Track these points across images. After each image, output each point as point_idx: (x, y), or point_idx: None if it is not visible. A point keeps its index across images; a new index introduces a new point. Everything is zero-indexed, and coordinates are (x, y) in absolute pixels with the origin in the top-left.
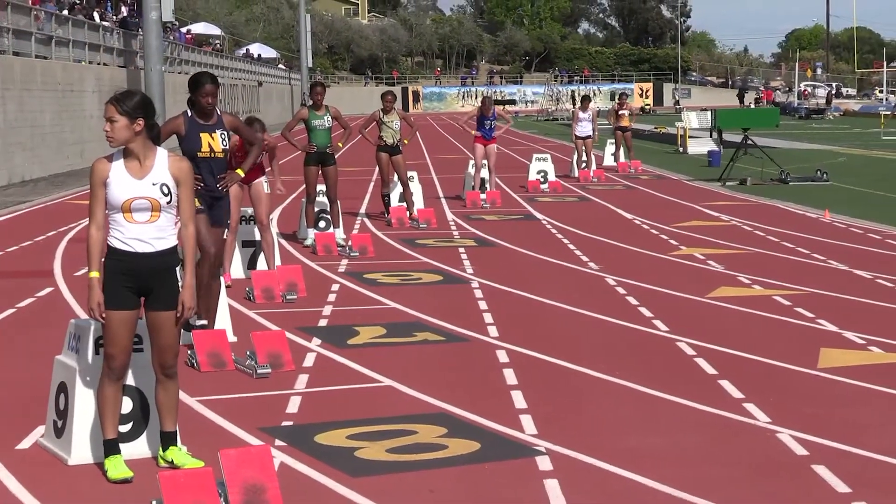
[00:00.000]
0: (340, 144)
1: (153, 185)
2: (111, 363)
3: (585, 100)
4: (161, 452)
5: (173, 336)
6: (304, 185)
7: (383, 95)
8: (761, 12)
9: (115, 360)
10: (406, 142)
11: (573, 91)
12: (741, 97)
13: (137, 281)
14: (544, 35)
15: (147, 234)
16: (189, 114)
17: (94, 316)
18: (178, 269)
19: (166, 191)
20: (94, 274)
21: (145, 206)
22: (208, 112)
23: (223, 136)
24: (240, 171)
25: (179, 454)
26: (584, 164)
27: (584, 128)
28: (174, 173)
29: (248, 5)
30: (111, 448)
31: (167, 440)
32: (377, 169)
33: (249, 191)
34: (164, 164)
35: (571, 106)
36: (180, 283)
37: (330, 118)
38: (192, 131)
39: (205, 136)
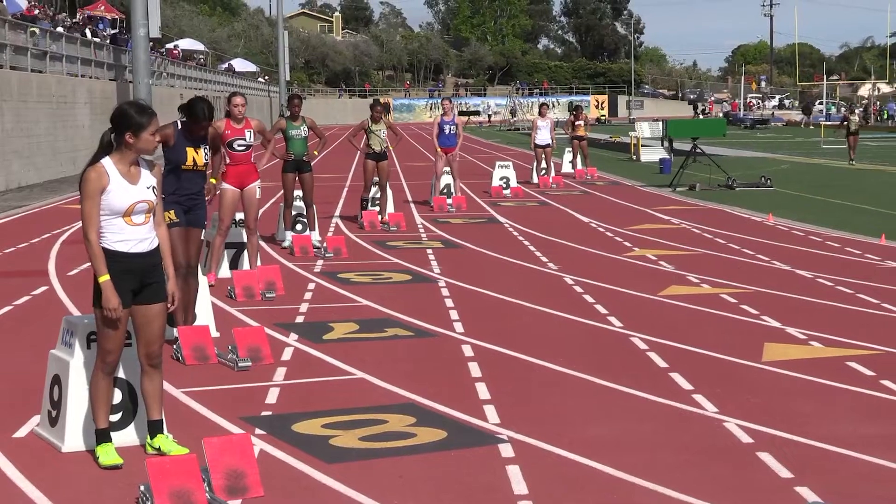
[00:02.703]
0: (316, 153)
1: (147, 188)
2: (107, 358)
3: (543, 107)
4: (149, 440)
5: (161, 327)
6: (283, 191)
7: (372, 105)
8: (709, 29)
9: (112, 355)
10: (391, 148)
11: (533, 103)
12: (695, 107)
13: (135, 279)
14: (506, 50)
15: (143, 235)
16: (179, 126)
17: (114, 317)
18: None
19: (155, 192)
20: (106, 277)
21: (144, 209)
22: (199, 137)
23: (206, 149)
24: (213, 180)
25: (166, 441)
26: (543, 171)
27: (543, 137)
28: (156, 176)
29: (230, 23)
30: (103, 436)
31: (154, 428)
32: (350, 173)
33: (242, 195)
34: (147, 168)
35: (530, 116)
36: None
37: (306, 128)
38: (179, 144)
39: (190, 151)
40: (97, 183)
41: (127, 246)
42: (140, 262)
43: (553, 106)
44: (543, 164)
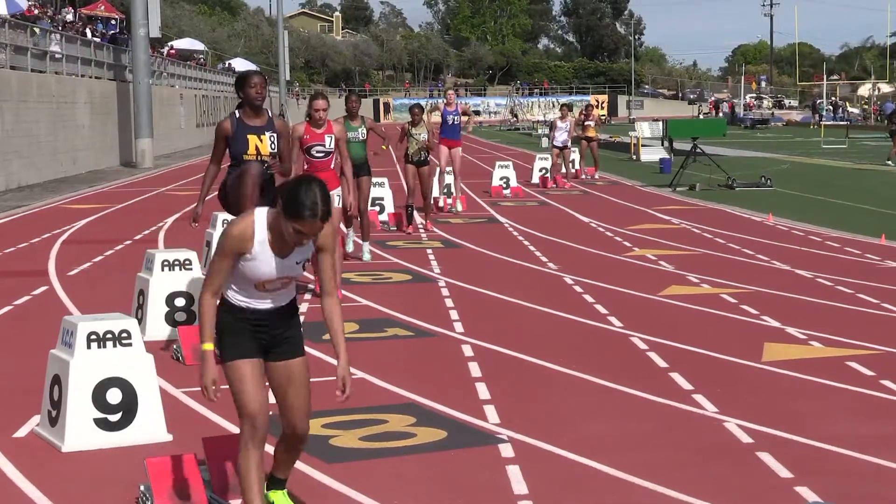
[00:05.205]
0: (384, 147)
1: (297, 263)
2: (254, 423)
3: (563, 108)
4: (265, 492)
5: (305, 395)
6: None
7: (411, 108)
8: (709, 29)
9: (258, 418)
10: (431, 149)
11: (533, 103)
12: (717, 106)
13: (262, 331)
14: (506, 50)
15: (274, 297)
16: (237, 115)
17: (209, 396)
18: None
19: (304, 266)
20: (209, 346)
21: (283, 283)
22: (256, 106)
23: (272, 138)
24: None
25: (281, 497)
26: (543, 171)
27: (560, 137)
28: (319, 245)
29: (230, 22)
30: None
31: (274, 483)
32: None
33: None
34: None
35: (530, 117)
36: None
37: (365, 130)
38: (239, 132)
39: (252, 138)
40: (237, 244)
41: (250, 304)
42: (264, 315)
43: (553, 106)
44: (563, 167)
